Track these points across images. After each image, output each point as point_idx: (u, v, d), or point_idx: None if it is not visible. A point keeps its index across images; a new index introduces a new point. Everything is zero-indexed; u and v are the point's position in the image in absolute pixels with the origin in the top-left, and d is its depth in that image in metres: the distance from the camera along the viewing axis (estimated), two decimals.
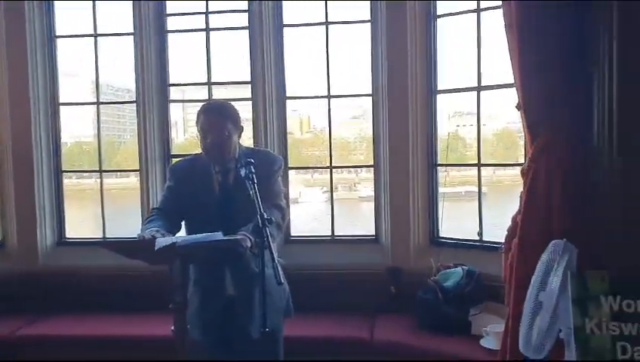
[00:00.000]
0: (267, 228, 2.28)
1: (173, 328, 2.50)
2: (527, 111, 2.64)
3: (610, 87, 2.40)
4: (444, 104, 4.03)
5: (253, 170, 2.45)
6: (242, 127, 2.75)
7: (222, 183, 2.71)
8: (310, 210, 4.32)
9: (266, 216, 2.29)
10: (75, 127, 5.13)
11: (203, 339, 2.70)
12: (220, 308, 2.69)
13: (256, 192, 2.37)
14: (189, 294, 2.57)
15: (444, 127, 4.09)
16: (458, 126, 4.71)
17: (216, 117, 2.66)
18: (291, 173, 4.39)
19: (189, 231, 2.74)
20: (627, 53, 2.38)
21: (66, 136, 4.81)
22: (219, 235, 2.36)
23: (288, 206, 3.96)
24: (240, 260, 2.53)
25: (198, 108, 2.74)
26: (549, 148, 2.57)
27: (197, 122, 2.71)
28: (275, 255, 2.28)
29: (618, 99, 2.39)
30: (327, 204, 5.25)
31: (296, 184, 5.16)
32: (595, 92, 2.49)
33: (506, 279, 2.76)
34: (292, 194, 5.03)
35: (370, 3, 4.05)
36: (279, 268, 2.24)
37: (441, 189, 4.05)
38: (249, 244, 2.43)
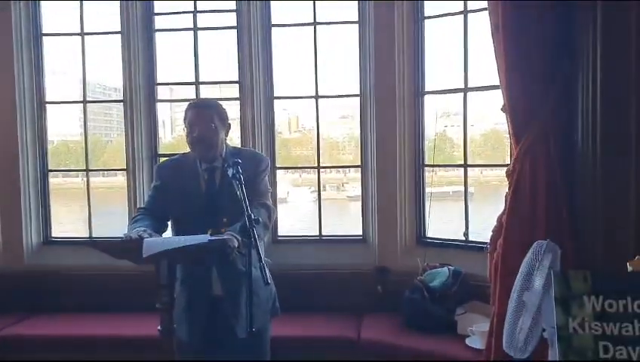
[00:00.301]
0: (254, 229, 2.28)
1: (160, 328, 2.50)
2: (512, 113, 2.67)
3: (595, 87, 2.44)
4: (432, 104, 4.05)
5: (240, 170, 2.45)
6: (229, 125, 2.76)
7: (208, 182, 2.71)
8: (298, 210, 4.33)
9: (253, 216, 2.29)
10: (62, 126, 5.10)
11: (190, 339, 2.69)
12: (206, 308, 2.69)
13: (243, 192, 2.38)
14: (175, 294, 2.57)
15: (432, 128, 4.12)
16: (446, 126, 4.74)
17: (204, 111, 2.68)
18: (279, 172, 4.40)
19: (175, 231, 2.74)
20: (610, 53, 2.41)
21: (53, 135, 4.80)
22: (205, 236, 2.36)
23: (275, 205, 4.00)
24: (227, 260, 2.53)
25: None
26: (534, 149, 2.60)
27: (184, 119, 2.71)
28: (262, 255, 2.29)
29: (602, 99, 2.42)
30: (315, 204, 5.27)
31: (285, 183, 5.18)
32: (579, 93, 2.52)
33: (492, 279, 2.79)
34: (280, 194, 5.04)
35: (358, 4, 4.06)
36: (266, 269, 2.25)
37: (428, 189, 4.07)
38: (236, 244, 2.44)
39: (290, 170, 4.67)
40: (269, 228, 2.84)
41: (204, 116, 2.66)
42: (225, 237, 2.43)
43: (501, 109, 2.79)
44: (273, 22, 4.16)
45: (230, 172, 2.46)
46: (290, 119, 6.05)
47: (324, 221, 4.22)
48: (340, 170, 4.29)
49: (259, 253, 2.22)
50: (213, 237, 2.38)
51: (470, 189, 4.17)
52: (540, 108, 2.58)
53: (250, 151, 3.22)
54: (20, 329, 3.73)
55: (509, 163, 2.88)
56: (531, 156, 2.60)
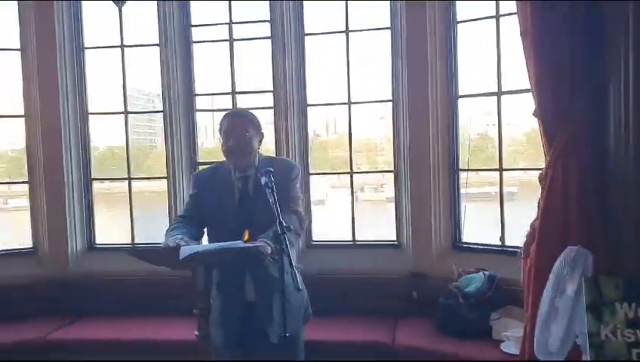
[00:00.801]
0: (286, 236, 2.33)
1: (197, 333, 2.58)
2: (542, 117, 2.65)
3: (627, 90, 2.41)
4: (473, 104, 4.02)
5: (272, 178, 2.51)
6: (263, 134, 2.83)
7: (242, 191, 2.78)
8: (337, 212, 4.36)
9: (284, 224, 2.35)
10: (108, 133, 5.27)
11: (225, 344, 2.76)
12: (240, 313, 2.75)
13: (275, 200, 2.43)
14: (211, 299, 2.64)
15: (473, 128, 4.09)
16: (487, 125, 4.68)
17: (238, 120, 2.78)
18: (319, 175, 4.48)
19: (211, 237, 2.81)
20: None
21: (99, 142, 4.97)
22: (239, 243, 2.43)
23: (309, 210, 4.06)
24: (260, 266, 2.59)
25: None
26: (565, 154, 2.58)
27: (220, 128, 2.80)
28: (294, 261, 2.34)
29: (634, 103, 2.39)
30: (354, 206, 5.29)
31: (323, 186, 5.21)
32: (610, 97, 2.49)
33: (525, 285, 2.78)
34: (318, 196, 5.10)
35: (390, 10, 4.09)
36: (298, 275, 2.30)
37: (466, 190, 4.04)
38: (269, 251, 2.49)
39: (337, 174, 4.66)
40: (301, 235, 2.89)
41: (238, 126, 2.75)
42: (258, 244, 2.49)
43: (533, 114, 2.77)
44: (306, 31, 4.23)
45: (263, 180, 2.52)
46: (328, 122, 6.08)
47: (362, 222, 4.24)
48: (390, 173, 4.27)
49: (290, 259, 2.27)
50: (246, 244, 2.45)
51: (512, 189, 4.13)
52: (571, 112, 2.55)
53: (282, 159, 3.29)
54: (65, 334, 3.87)
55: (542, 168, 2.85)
56: (563, 161, 2.58)
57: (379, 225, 5.07)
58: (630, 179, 2.41)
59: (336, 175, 4.40)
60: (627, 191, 2.45)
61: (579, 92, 2.55)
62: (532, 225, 2.80)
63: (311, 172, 4.32)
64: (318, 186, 4.69)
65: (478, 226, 4.37)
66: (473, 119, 4.17)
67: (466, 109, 4.02)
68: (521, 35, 2.73)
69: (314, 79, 4.31)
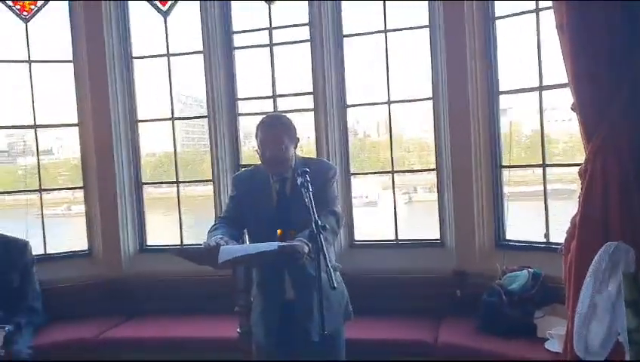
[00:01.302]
0: (322, 234, 2.38)
1: (239, 330, 2.66)
2: (581, 112, 2.62)
3: None
4: (530, 100, 3.95)
5: (308, 179, 2.56)
6: (298, 139, 2.88)
7: (280, 192, 2.84)
8: (390, 213, 4.39)
9: (320, 223, 2.40)
10: (162, 139, 5.44)
11: (266, 341, 2.83)
12: (280, 312, 2.82)
13: (311, 200, 2.48)
14: (252, 298, 2.72)
15: (528, 125, 4.03)
16: (549, 121, 4.59)
17: (273, 132, 2.80)
18: (370, 176, 4.59)
19: (250, 237, 2.89)
20: None
21: (156, 147, 5.15)
22: (276, 243, 2.50)
23: (350, 211, 4.10)
24: (297, 265, 2.65)
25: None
26: (605, 149, 2.53)
27: (256, 136, 2.86)
28: (330, 260, 2.38)
29: None
30: (407, 207, 5.30)
31: (375, 186, 5.25)
32: None
33: (566, 281, 2.74)
34: (371, 198, 5.14)
35: (428, 8, 4.08)
36: (333, 273, 2.34)
37: (510, 189, 4.00)
38: (306, 250, 2.55)
39: (379, 174, 4.69)
40: (338, 234, 2.93)
41: (273, 137, 2.78)
42: (295, 243, 2.55)
43: (571, 108, 2.73)
44: (345, 32, 4.27)
45: (299, 181, 2.58)
46: (379, 122, 6.10)
47: (413, 223, 4.25)
48: (432, 171, 4.28)
49: (325, 258, 2.32)
50: (283, 244, 2.51)
51: (572, 186, 4.04)
52: (609, 108, 2.50)
53: (319, 160, 3.34)
54: (118, 332, 4.04)
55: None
56: (602, 156, 2.54)
57: (430, 225, 5.05)
58: None
59: (386, 176, 4.41)
60: None
61: (617, 87, 2.50)
62: (572, 221, 2.76)
63: (352, 172, 4.36)
64: (369, 188, 4.73)
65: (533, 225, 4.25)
66: (527, 116, 4.10)
67: (520, 105, 3.96)
68: (557, 29, 2.69)
69: (354, 79, 4.35)
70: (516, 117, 4.51)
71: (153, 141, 4.98)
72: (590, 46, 2.51)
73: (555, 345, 3.06)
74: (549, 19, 3.56)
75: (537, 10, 3.67)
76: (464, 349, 3.37)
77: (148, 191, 4.78)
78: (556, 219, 3.78)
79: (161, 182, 5.17)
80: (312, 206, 2.45)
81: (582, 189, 2.67)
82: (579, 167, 2.75)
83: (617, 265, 2.23)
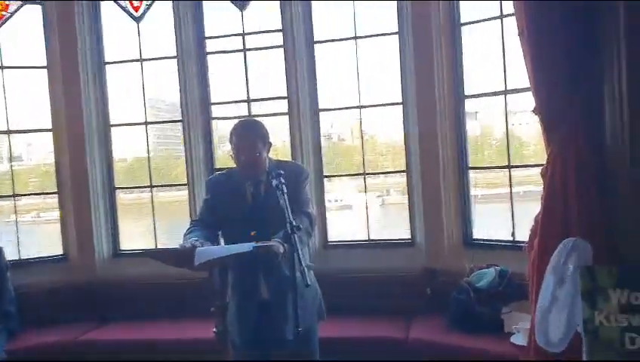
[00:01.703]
0: (296, 235, 2.46)
1: (215, 329, 2.73)
2: (542, 115, 2.74)
3: (620, 89, 2.49)
4: (500, 103, 4.08)
5: (283, 181, 2.64)
6: (271, 143, 2.95)
7: (254, 194, 2.91)
8: (364, 216, 4.50)
9: (294, 224, 2.48)
10: (134, 144, 5.45)
11: (242, 342, 2.89)
12: (255, 312, 2.88)
13: (286, 201, 2.56)
14: (228, 298, 2.78)
15: (499, 127, 4.17)
16: (513, 124, 4.75)
17: (248, 137, 2.85)
18: (345, 180, 4.66)
19: (225, 239, 2.96)
20: (636, 53, 2.45)
21: (126, 153, 5.17)
22: (251, 244, 2.57)
23: (321, 213, 4.19)
24: (273, 265, 2.72)
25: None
26: (564, 150, 2.66)
27: (230, 141, 2.92)
28: (304, 259, 2.46)
29: (628, 101, 2.47)
30: (381, 209, 5.41)
31: (349, 190, 5.35)
32: (605, 93, 2.57)
33: (530, 276, 2.86)
34: (346, 201, 5.25)
35: (397, 15, 4.20)
36: (307, 272, 2.42)
37: (500, 190, 4.13)
38: (281, 250, 2.62)
39: (354, 176, 4.79)
40: (312, 235, 3.01)
41: (248, 143, 2.83)
42: (271, 243, 2.63)
43: (532, 111, 2.86)
44: (316, 38, 4.36)
45: (274, 183, 2.66)
46: (352, 126, 6.20)
47: (389, 225, 4.35)
48: (404, 173, 4.40)
49: (299, 258, 2.40)
50: (258, 244, 2.58)
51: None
52: (568, 110, 2.64)
53: (292, 163, 3.41)
54: (94, 336, 4.06)
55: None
56: (562, 157, 2.66)
57: (403, 226, 5.17)
58: (625, 174, 2.49)
59: (360, 178, 4.52)
60: (623, 184, 2.52)
61: (575, 91, 2.64)
62: (536, 219, 2.89)
63: (326, 174, 4.45)
64: (344, 191, 4.83)
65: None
66: (498, 119, 4.23)
67: (491, 109, 4.10)
68: (518, 35, 2.82)
69: (327, 84, 4.45)
70: (487, 120, 4.67)
71: (124, 146, 4.98)
72: (549, 51, 2.64)
73: (520, 339, 3.18)
74: (513, 24, 3.73)
75: (502, 17, 3.82)
76: (434, 345, 3.48)
77: (120, 197, 4.80)
78: (529, 219, 3.91)
79: (135, 187, 5.19)
80: (287, 207, 2.53)
81: (544, 189, 2.80)
82: (541, 168, 2.89)
83: (575, 259, 2.36)
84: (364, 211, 4.44)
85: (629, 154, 2.49)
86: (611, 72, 2.53)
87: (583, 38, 2.63)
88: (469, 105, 4.16)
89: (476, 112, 4.74)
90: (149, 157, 4.74)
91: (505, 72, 3.87)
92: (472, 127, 4.61)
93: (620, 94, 2.49)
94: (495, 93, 4.00)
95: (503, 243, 3.99)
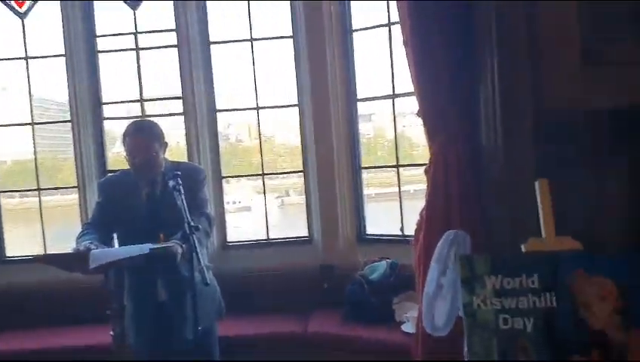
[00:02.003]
0: (194, 235, 2.50)
1: (112, 333, 2.70)
2: (425, 118, 2.95)
3: (494, 95, 2.73)
4: (386, 105, 4.31)
5: (180, 182, 2.66)
6: (166, 143, 2.95)
7: (150, 195, 2.90)
8: (263, 217, 4.56)
9: (192, 224, 2.51)
10: (17, 146, 5.18)
11: (141, 344, 2.88)
12: (153, 314, 2.88)
13: (183, 202, 2.59)
14: (125, 300, 2.76)
15: (389, 129, 4.38)
16: (404, 126, 4.98)
17: (142, 139, 2.83)
18: (242, 180, 4.67)
19: (120, 242, 2.92)
20: (506, 63, 2.71)
21: (7, 155, 4.90)
22: (147, 246, 2.57)
23: (220, 213, 4.22)
24: (171, 267, 2.73)
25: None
26: (445, 150, 2.89)
27: (123, 142, 2.89)
28: (203, 259, 2.50)
29: (500, 106, 2.72)
30: (280, 210, 5.49)
31: (247, 191, 5.38)
32: (481, 100, 2.82)
33: (416, 268, 3.07)
34: (245, 203, 5.29)
35: (291, 19, 4.32)
36: (206, 271, 2.47)
37: (391, 189, 4.32)
38: (180, 251, 2.64)
39: (252, 178, 4.83)
40: (210, 235, 3.04)
41: (142, 144, 2.80)
42: (169, 244, 2.64)
43: (416, 114, 3.07)
44: (212, 39, 4.38)
45: (171, 184, 2.67)
46: (250, 127, 6.25)
47: (288, 226, 4.45)
48: (301, 174, 4.51)
49: (198, 258, 2.44)
50: (155, 246, 2.59)
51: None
52: (448, 114, 2.86)
53: (188, 164, 3.43)
54: None
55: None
56: (444, 156, 2.89)
57: (302, 226, 5.30)
58: (499, 172, 2.75)
59: (259, 180, 4.58)
60: (497, 182, 2.78)
61: (454, 97, 2.86)
62: (420, 214, 3.10)
63: (223, 175, 4.47)
64: (244, 193, 4.87)
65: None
66: (390, 121, 4.43)
67: (384, 111, 4.30)
68: (403, 43, 3.01)
69: (224, 84, 4.48)
70: (381, 122, 4.90)
71: (3, 148, 4.72)
72: (431, 59, 2.85)
73: (409, 327, 3.40)
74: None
75: (390, 25, 4.03)
76: (332, 337, 3.64)
77: (3, 202, 4.56)
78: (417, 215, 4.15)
79: (20, 190, 4.94)
80: (184, 208, 2.56)
81: (427, 186, 3.01)
82: (424, 167, 3.11)
83: (455, 250, 2.57)
84: (263, 212, 4.51)
85: (502, 156, 2.75)
86: (485, 80, 2.77)
87: (462, 48, 2.86)
88: (364, 107, 4.36)
89: (371, 115, 4.98)
90: (35, 158, 4.53)
91: (393, 76, 4.09)
92: (366, 129, 4.85)
93: (492, 101, 2.73)
94: (386, 97, 4.21)
95: (394, 238, 4.21)
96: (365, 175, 4.41)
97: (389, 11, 4.02)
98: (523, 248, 2.30)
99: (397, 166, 4.17)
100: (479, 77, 2.81)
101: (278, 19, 4.38)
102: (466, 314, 2.36)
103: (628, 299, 2.09)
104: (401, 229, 4.17)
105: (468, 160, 2.87)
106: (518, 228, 2.68)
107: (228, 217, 4.51)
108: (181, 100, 4.39)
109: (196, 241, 2.49)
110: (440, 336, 2.63)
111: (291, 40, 4.35)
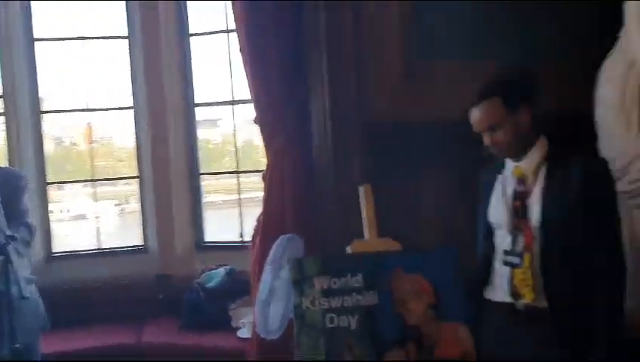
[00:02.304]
0: (11, 245, 2.31)
1: None
2: (261, 124, 3.02)
3: (324, 105, 2.87)
4: (236, 111, 4.27)
5: None
6: None
7: None
8: (100, 224, 4.32)
9: (8, 234, 2.32)
10: None
11: None
12: None
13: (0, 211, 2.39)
14: None
15: (240, 135, 4.37)
16: (252, 133, 4.99)
17: None
18: (77, 186, 4.43)
19: None
20: (334, 76, 2.86)
21: None
22: None
23: (45, 222, 3.95)
24: None
25: None
26: (281, 157, 2.98)
27: None
28: (23, 271, 2.33)
29: (330, 116, 2.86)
30: (119, 217, 5.23)
31: (83, 198, 5.06)
32: (313, 109, 2.95)
33: (252, 273, 3.12)
34: (79, 210, 4.98)
35: (127, 19, 4.17)
36: (26, 284, 2.30)
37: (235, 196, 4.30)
38: None
39: (88, 184, 4.55)
40: (31, 245, 2.83)
41: None
42: None
43: (254, 120, 3.12)
44: (36, 36, 4.09)
45: None
46: (84, 131, 5.90)
47: (128, 234, 4.26)
48: (136, 179, 4.33)
49: (14, 270, 2.26)
50: None
51: None
52: (284, 121, 2.96)
53: (7, 169, 3.17)
54: None
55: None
56: (280, 163, 2.97)
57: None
58: (330, 178, 2.88)
59: (96, 186, 4.34)
60: (328, 188, 2.92)
61: (288, 105, 2.96)
62: (258, 219, 3.15)
63: (49, 181, 4.19)
64: (79, 200, 4.60)
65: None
66: (239, 127, 4.43)
67: (234, 117, 4.29)
68: (240, 51, 3.06)
69: (49, 85, 4.22)
70: (228, 128, 4.88)
71: None
72: (265, 68, 2.93)
73: (245, 332, 3.43)
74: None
75: (228, 31, 4.05)
76: (167, 347, 3.55)
77: None
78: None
79: None
80: (1, 216, 2.36)
81: (264, 191, 3.07)
82: (262, 173, 3.17)
83: (288, 253, 2.65)
84: (101, 220, 4.31)
85: (332, 162, 2.88)
86: (317, 90, 2.90)
87: (297, 58, 2.96)
88: (211, 113, 4.33)
89: (217, 120, 4.96)
90: None
91: (232, 83, 4.12)
92: (213, 135, 4.82)
93: (323, 110, 2.87)
94: (227, 103, 4.22)
95: (233, 245, 4.23)
96: (213, 181, 4.39)
97: (227, 18, 4.04)
98: (348, 249, 2.42)
99: (237, 172, 4.19)
100: (312, 86, 2.93)
101: (114, 18, 4.21)
102: (296, 316, 2.44)
103: (439, 294, 2.28)
104: (241, 235, 4.19)
105: (302, 167, 2.97)
106: (348, 231, 2.83)
107: (60, 225, 4.23)
108: (1, 100, 4.04)
109: (13, 252, 2.31)
110: (273, 339, 2.70)
111: (127, 40, 4.19)
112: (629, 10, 2.45)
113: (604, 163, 2.15)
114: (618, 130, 2.47)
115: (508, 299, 2.22)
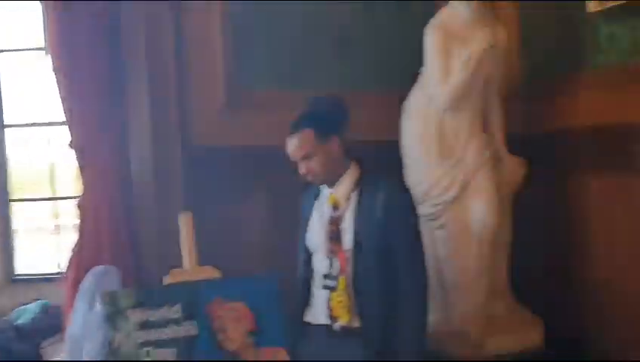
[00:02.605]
0: None
1: None
2: (76, 148, 2.85)
3: (144, 129, 2.80)
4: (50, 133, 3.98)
5: None
6: None
7: None
8: None
9: None
10: None
11: None
12: None
13: None
14: None
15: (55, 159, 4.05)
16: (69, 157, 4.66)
17: None
18: None
19: None
20: (156, 99, 2.80)
21: None
22: None
23: None
24: None
25: None
26: (98, 184, 2.83)
27: None
28: None
29: (151, 140, 2.79)
30: None
31: None
32: (132, 132, 2.85)
33: (66, 308, 2.91)
34: None
35: None
36: None
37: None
38: None
39: None
40: None
41: None
42: None
43: (69, 145, 2.94)
44: None
45: None
46: None
47: None
48: None
49: None
50: None
51: None
52: (99, 146, 2.82)
53: None
54: None
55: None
56: (95, 189, 2.82)
57: None
58: (150, 205, 2.80)
59: None
60: (149, 215, 2.83)
61: (106, 128, 2.84)
62: (73, 250, 2.96)
63: None
64: None
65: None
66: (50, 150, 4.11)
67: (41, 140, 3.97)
68: (54, 71, 2.87)
69: None
70: (42, 151, 4.53)
71: None
72: (82, 90, 2.78)
73: None
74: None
75: (43, 49, 3.79)
76: None
77: None
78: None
79: None
80: None
81: (79, 220, 2.90)
82: (77, 200, 2.99)
83: (104, 285, 2.52)
84: None
85: (153, 188, 2.81)
86: (137, 113, 2.82)
87: (114, 80, 2.86)
88: (21, 134, 3.99)
89: (28, 142, 4.58)
90: None
91: (47, 104, 3.84)
92: (25, 158, 4.43)
93: (142, 134, 2.79)
94: (40, 124, 3.92)
95: (50, 277, 3.92)
96: (27, 207, 4.04)
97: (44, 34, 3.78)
98: (165, 280, 2.36)
99: (53, 199, 3.91)
100: (130, 110, 2.84)
101: None
102: (110, 352, 2.32)
103: (259, 319, 2.30)
104: (59, 266, 3.90)
105: (120, 193, 2.85)
106: (169, 259, 2.76)
107: None
108: None
109: None
110: None
111: None
112: (426, 46, 2.69)
113: (404, 188, 2.33)
114: (421, 158, 2.69)
115: (326, 321, 2.30)
